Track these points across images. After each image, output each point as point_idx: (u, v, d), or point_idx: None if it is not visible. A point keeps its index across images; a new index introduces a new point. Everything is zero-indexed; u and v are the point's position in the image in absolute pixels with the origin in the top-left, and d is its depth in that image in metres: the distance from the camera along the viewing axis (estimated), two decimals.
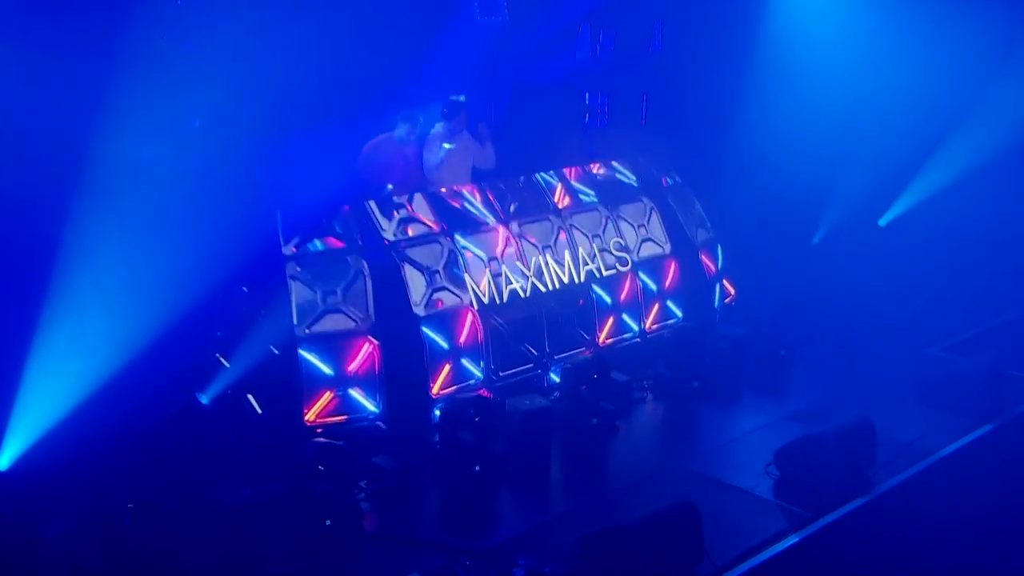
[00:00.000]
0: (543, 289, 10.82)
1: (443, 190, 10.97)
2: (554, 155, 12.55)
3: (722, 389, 10.83)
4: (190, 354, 9.20)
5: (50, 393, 8.29)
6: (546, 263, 10.95)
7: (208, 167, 10.25)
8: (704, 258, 12.51)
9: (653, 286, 11.88)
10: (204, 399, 8.85)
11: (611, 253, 11.52)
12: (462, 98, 11.95)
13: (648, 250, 12.03)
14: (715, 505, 8.24)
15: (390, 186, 11.15)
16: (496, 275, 10.54)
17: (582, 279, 11.16)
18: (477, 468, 8.80)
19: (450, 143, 11.59)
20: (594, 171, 12.36)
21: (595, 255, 11.36)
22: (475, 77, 12.90)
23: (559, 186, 11.75)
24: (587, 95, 14.22)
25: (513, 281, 10.62)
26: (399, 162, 11.45)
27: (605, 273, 11.38)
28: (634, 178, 12.46)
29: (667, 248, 12.16)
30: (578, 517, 8.30)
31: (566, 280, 11.03)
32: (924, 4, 14.01)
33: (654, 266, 11.98)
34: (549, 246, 11.13)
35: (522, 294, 10.64)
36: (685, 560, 7.45)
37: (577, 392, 9.89)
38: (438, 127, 11.70)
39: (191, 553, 7.48)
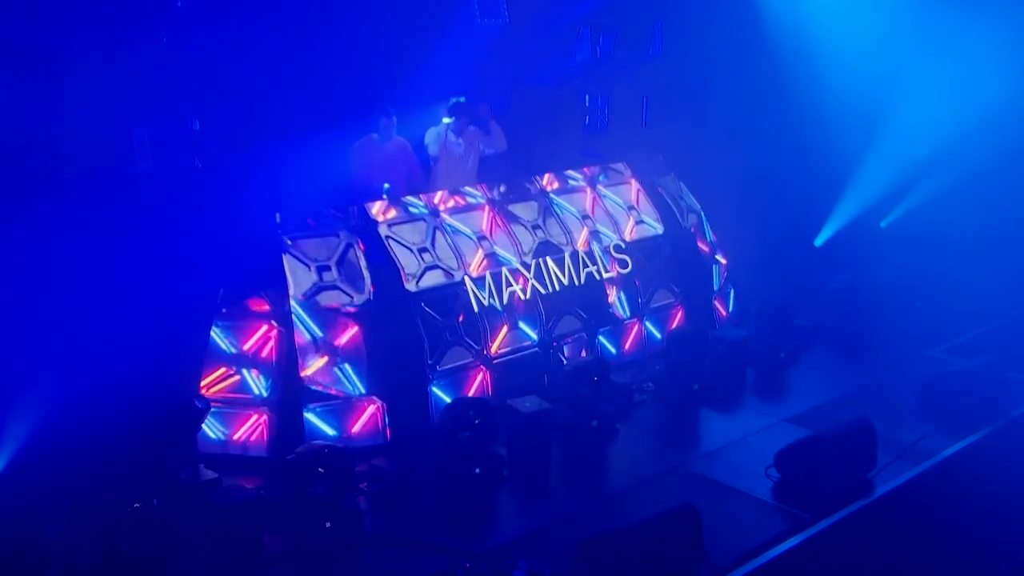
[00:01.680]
0: (543, 291, 10.81)
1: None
2: (554, 157, 12.55)
3: (722, 391, 10.82)
4: (189, 358, 9.19)
5: (46, 395, 8.28)
6: (545, 264, 10.94)
7: (209, 169, 10.29)
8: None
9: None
10: (201, 403, 8.83)
11: (611, 254, 11.53)
12: (462, 99, 12.01)
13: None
14: (715, 507, 8.21)
15: (386, 185, 11.13)
16: (496, 275, 10.56)
17: (582, 281, 11.15)
18: (477, 471, 8.80)
19: (457, 137, 11.76)
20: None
21: (595, 256, 11.35)
22: (476, 79, 12.91)
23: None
24: (587, 97, 14.23)
25: (513, 283, 10.61)
26: (378, 160, 11.46)
27: (605, 276, 11.37)
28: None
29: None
30: (578, 519, 8.30)
31: (566, 282, 11.02)
32: (930, 6, 14.04)
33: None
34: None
35: (522, 296, 10.64)
36: (685, 562, 7.44)
37: (577, 394, 9.88)
38: (443, 125, 11.83)
39: (191, 555, 7.49)
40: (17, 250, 8.36)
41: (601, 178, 12.14)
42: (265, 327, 9.35)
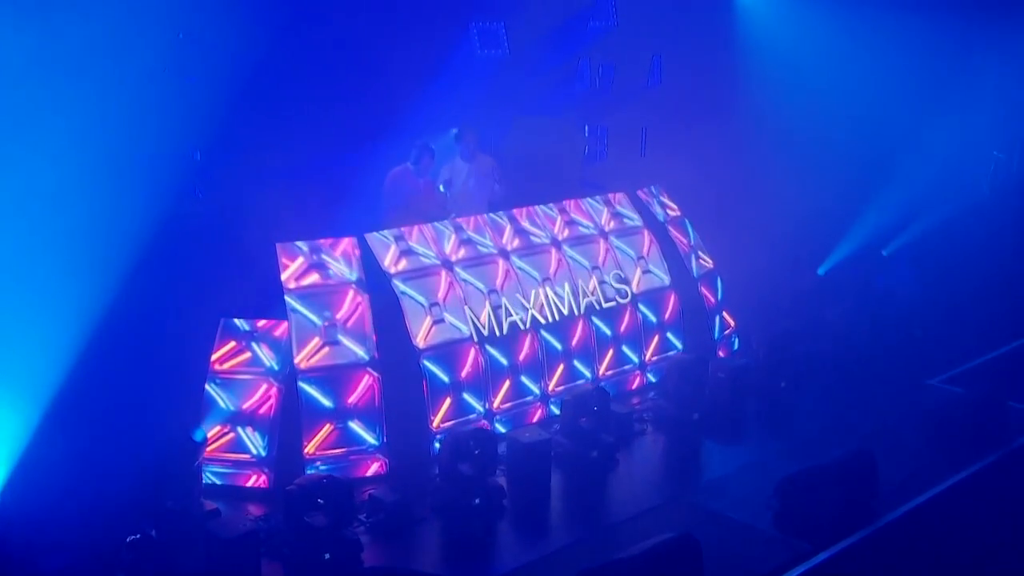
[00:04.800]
0: (543, 321, 10.83)
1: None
2: (554, 186, 12.59)
3: (722, 421, 10.81)
4: (187, 389, 9.19)
5: (45, 428, 8.27)
6: (546, 296, 10.95)
7: (208, 200, 10.31)
8: (704, 290, 12.50)
9: (653, 318, 11.87)
10: (199, 436, 8.82)
11: (611, 285, 11.54)
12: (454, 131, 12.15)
13: (648, 283, 11.99)
14: (716, 538, 8.20)
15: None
16: (496, 307, 10.55)
17: (582, 311, 11.17)
18: (477, 501, 8.78)
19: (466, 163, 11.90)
20: (596, 206, 12.18)
21: (595, 287, 11.38)
22: (476, 109, 12.98)
23: (559, 218, 11.68)
24: (586, 127, 14.29)
25: (513, 313, 10.62)
26: (416, 192, 11.54)
27: (605, 305, 11.39)
28: (637, 217, 12.34)
29: (667, 280, 12.13)
30: (578, 550, 8.28)
31: (566, 312, 11.04)
32: (943, 33, 14.14)
33: (654, 298, 11.95)
34: (548, 278, 11.12)
35: (522, 326, 10.65)
36: None
37: (577, 424, 9.87)
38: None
39: None
40: (15, 277, 8.37)
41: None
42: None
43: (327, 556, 7.79)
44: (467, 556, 8.47)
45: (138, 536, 7.52)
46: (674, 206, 12.89)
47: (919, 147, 14.61)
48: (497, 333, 10.43)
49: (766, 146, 14.24)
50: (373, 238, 10.18)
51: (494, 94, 13.21)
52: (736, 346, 12.78)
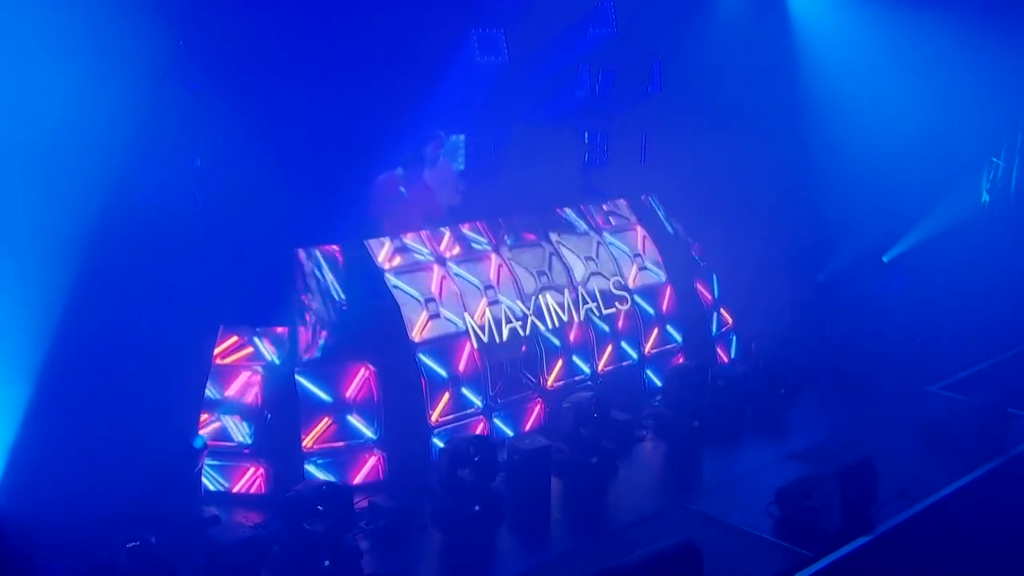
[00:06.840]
0: (542, 327, 10.82)
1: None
2: (553, 194, 12.60)
3: (722, 428, 10.79)
4: (187, 395, 9.18)
5: (44, 435, 8.25)
6: (546, 303, 10.95)
7: (208, 208, 10.31)
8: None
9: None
10: (198, 442, 8.82)
11: (611, 291, 11.54)
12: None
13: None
14: (716, 545, 8.19)
15: (400, 170, 11.39)
16: (493, 304, 10.56)
17: (581, 317, 11.17)
18: (477, 508, 8.77)
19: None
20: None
21: (595, 294, 11.37)
22: (475, 116, 12.98)
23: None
24: (586, 134, 14.29)
25: (512, 320, 10.61)
26: (398, 195, 11.53)
27: (604, 312, 11.39)
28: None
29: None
30: (578, 557, 8.28)
31: (565, 318, 11.03)
32: (945, 41, 14.16)
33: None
34: (545, 276, 11.14)
35: (521, 333, 10.64)
36: None
37: (577, 431, 9.86)
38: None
39: None
40: (13, 282, 8.37)
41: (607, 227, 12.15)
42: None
43: (327, 563, 7.79)
44: (467, 563, 8.47)
45: (138, 543, 7.50)
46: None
47: (919, 154, 14.61)
48: (497, 339, 10.44)
49: (766, 153, 14.24)
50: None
51: (494, 101, 13.22)
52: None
